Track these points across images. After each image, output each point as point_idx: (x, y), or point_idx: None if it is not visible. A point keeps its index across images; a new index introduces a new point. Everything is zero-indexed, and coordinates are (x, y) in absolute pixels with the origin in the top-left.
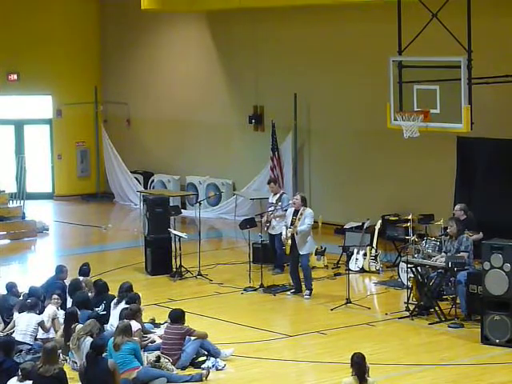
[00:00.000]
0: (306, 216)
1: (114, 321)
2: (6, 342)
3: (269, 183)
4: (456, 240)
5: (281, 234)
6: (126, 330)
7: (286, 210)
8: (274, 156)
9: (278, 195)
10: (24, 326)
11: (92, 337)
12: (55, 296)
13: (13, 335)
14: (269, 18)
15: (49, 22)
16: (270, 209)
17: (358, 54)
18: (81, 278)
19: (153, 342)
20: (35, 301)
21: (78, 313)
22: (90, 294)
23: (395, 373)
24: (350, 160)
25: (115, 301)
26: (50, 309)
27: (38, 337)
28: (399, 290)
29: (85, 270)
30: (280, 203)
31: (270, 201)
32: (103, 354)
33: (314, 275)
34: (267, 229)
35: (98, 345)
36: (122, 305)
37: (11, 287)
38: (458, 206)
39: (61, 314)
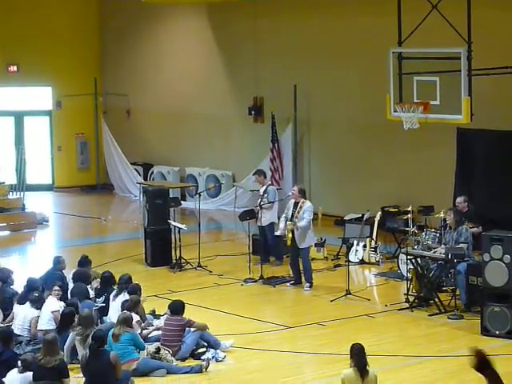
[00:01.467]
0: (305, 210)
1: (113, 313)
2: (4, 333)
3: (254, 174)
4: (455, 231)
5: (270, 224)
6: (125, 321)
7: (272, 202)
8: (273, 147)
9: (264, 187)
10: (21, 319)
11: (93, 325)
12: (56, 288)
13: (12, 327)
14: (269, 10)
15: (49, 13)
16: (258, 201)
17: (358, 46)
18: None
19: (157, 328)
20: (39, 296)
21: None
22: (96, 285)
23: (394, 364)
24: (349, 151)
25: (114, 293)
26: (52, 301)
27: (38, 328)
28: (399, 282)
29: (83, 262)
30: (266, 195)
31: (260, 193)
32: (104, 346)
33: (314, 267)
34: (256, 220)
35: (99, 336)
36: (122, 297)
37: (7, 277)
38: (460, 198)
39: (61, 305)
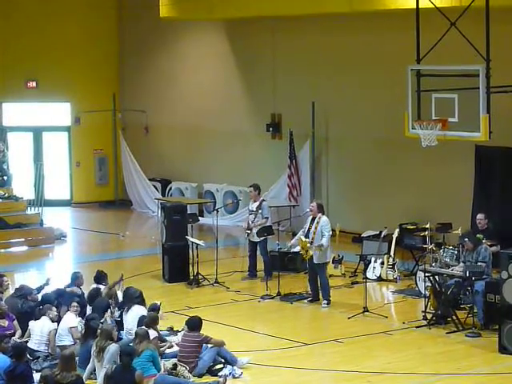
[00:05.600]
0: (323, 226)
1: (128, 326)
2: (16, 348)
3: (250, 186)
4: (474, 251)
5: (262, 241)
6: (145, 337)
7: (266, 218)
8: (291, 164)
9: (257, 203)
10: (38, 334)
11: (112, 339)
12: (75, 304)
13: (28, 344)
14: (287, 27)
15: (68, 29)
16: (250, 216)
17: (376, 63)
18: (101, 287)
19: (170, 346)
20: (47, 307)
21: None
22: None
23: (412, 382)
24: (367, 168)
25: (126, 307)
26: (70, 316)
27: (56, 344)
28: (417, 299)
29: (100, 278)
30: (260, 211)
31: (249, 208)
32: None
33: (332, 283)
34: (248, 236)
35: (129, 351)
36: (133, 310)
37: (28, 294)
38: (481, 215)
39: (79, 321)
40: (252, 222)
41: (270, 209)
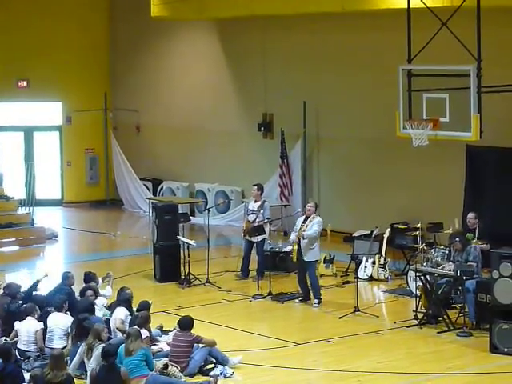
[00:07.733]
0: (315, 223)
1: (112, 324)
2: (3, 349)
3: (255, 185)
4: (463, 251)
5: (262, 240)
6: (138, 336)
7: (268, 219)
8: (282, 164)
9: (259, 203)
10: (25, 334)
11: (100, 339)
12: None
13: (17, 345)
14: (278, 26)
15: (59, 28)
16: (250, 216)
17: (368, 62)
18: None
19: (160, 350)
20: (30, 306)
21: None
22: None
23: (403, 382)
24: (359, 168)
25: (113, 305)
26: (59, 316)
27: (52, 346)
28: (408, 299)
29: (90, 278)
30: (262, 211)
31: (250, 208)
32: (115, 361)
33: (323, 283)
34: (244, 235)
35: (111, 351)
36: (116, 311)
37: (16, 293)
38: (472, 214)
39: (69, 320)
40: (252, 222)
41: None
